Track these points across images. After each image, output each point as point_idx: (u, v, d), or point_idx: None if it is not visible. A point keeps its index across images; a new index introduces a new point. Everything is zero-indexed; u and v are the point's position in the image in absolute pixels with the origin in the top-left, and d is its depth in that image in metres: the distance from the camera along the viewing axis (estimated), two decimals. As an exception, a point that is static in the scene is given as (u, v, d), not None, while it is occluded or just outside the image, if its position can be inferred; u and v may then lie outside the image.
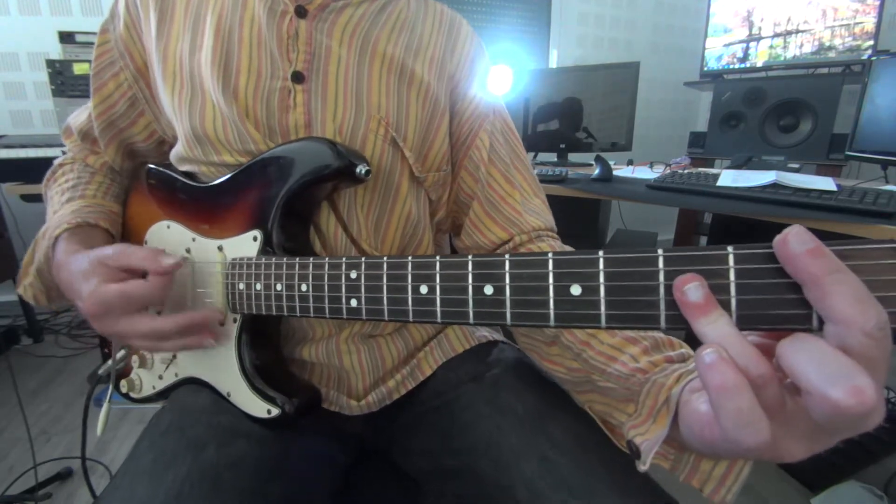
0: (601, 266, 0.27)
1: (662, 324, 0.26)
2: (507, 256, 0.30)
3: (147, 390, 0.60)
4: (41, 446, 1.43)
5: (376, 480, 0.62)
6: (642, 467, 0.35)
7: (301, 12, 0.52)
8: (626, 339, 0.44)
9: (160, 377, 0.59)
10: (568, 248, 0.59)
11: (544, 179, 1.55)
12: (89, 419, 0.61)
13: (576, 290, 0.28)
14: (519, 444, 0.49)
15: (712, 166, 1.94)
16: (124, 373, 0.62)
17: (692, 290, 0.25)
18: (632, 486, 0.44)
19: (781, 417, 0.25)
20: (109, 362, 0.60)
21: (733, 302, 0.25)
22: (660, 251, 0.26)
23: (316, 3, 0.52)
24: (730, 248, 0.24)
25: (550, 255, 0.29)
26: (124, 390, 0.62)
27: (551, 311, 0.29)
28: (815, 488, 1.22)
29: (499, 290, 0.31)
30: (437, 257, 0.34)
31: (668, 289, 0.26)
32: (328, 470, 0.57)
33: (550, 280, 0.29)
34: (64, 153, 0.68)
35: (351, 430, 0.60)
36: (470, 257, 0.32)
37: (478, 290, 0.32)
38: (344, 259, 0.40)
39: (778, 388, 0.25)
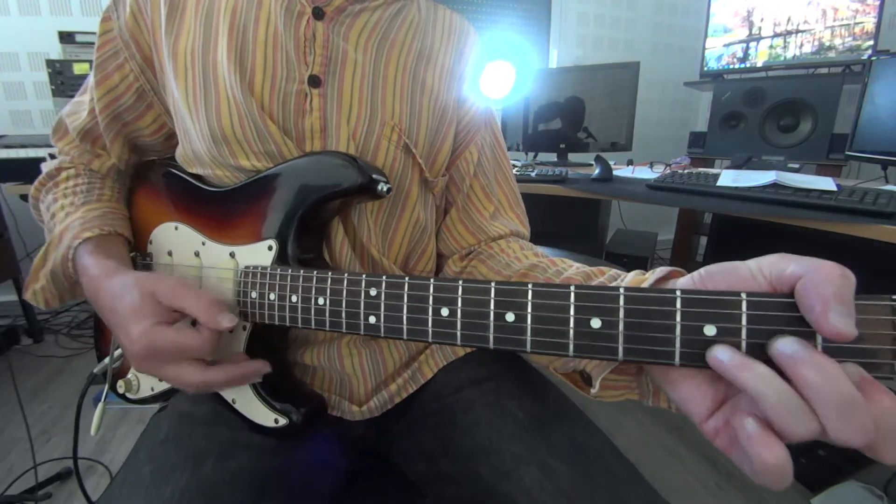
0: (622, 302, 0.28)
1: (677, 360, 0.27)
2: (530, 285, 0.31)
3: (145, 391, 0.58)
4: (41, 446, 1.43)
5: (376, 484, 0.62)
6: (593, 391, 0.37)
7: (318, 14, 0.51)
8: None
9: (160, 379, 0.56)
10: (538, 249, 0.60)
11: (544, 179, 1.56)
12: (87, 419, 0.58)
13: (596, 323, 0.28)
14: (519, 451, 0.48)
15: (712, 166, 1.95)
16: (121, 372, 0.60)
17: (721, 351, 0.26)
18: (632, 495, 0.45)
19: None
20: (106, 360, 0.57)
21: (743, 345, 0.26)
22: (678, 292, 0.27)
23: (333, 5, 0.52)
24: (743, 295, 0.25)
25: (573, 287, 0.29)
26: (121, 390, 0.59)
27: (570, 342, 0.29)
28: (815, 488, 1.22)
29: (520, 318, 0.31)
30: (460, 281, 0.34)
31: (685, 328, 0.26)
32: (328, 475, 0.57)
33: (572, 312, 0.29)
34: (52, 156, 0.62)
35: (352, 435, 0.60)
36: (493, 283, 0.33)
37: (499, 316, 0.32)
38: (364, 276, 0.39)
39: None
